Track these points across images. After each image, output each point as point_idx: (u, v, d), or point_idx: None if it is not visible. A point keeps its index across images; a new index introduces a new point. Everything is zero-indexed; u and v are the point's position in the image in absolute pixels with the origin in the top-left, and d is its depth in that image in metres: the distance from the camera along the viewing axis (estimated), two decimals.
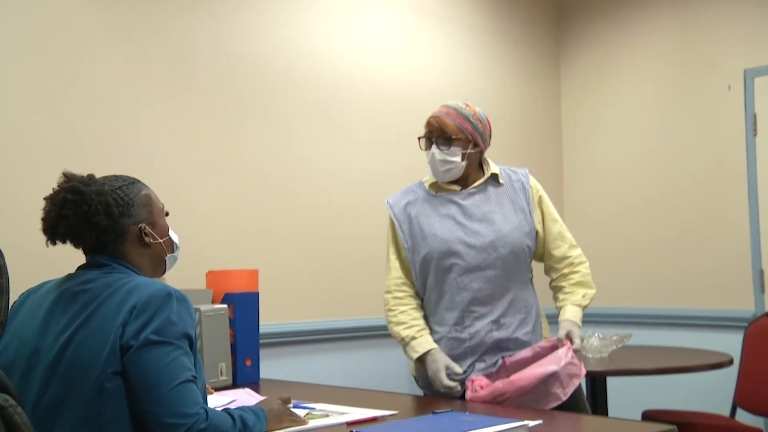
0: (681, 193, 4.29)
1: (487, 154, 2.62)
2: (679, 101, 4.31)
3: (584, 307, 2.54)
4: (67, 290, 1.73)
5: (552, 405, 2.25)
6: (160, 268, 1.90)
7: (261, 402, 1.96)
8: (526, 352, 2.43)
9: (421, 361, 2.47)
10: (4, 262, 1.51)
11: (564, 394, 2.24)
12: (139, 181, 1.88)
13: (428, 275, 2.53)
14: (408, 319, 2.53)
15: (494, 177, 2.57)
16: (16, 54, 2.75)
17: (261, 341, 2.86)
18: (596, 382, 3.39)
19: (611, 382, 3.49)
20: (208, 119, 3.24)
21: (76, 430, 1.61)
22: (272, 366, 3.14)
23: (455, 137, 2.48)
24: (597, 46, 4.68)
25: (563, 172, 4.79)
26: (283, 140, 3.47)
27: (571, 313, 2.49)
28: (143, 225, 1.82)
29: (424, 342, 2.48)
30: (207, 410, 1.65)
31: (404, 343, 2.52)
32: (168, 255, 1.90)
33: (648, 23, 4.46)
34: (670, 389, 4.06)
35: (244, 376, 2.72)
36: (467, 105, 2.55)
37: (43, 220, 1.75)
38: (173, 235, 1.93)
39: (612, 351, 3.36)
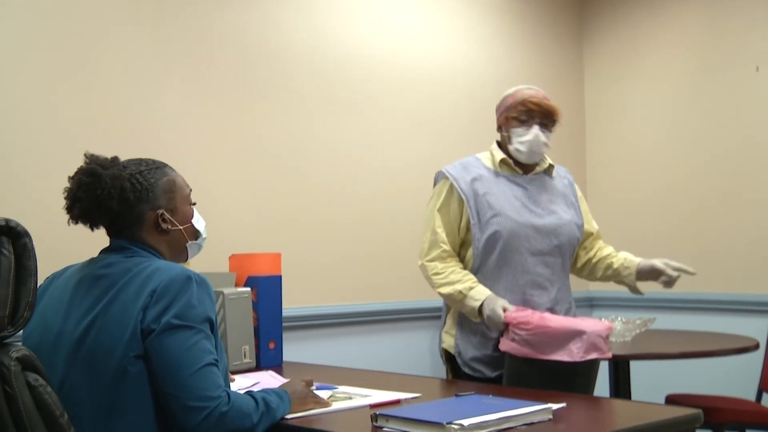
0: (706, 176, 4.24)
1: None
2: (706, 84, 4.25)
3: None
4: (88, 274, 1.75)
5: (562, 358, 2.25)
6: (180, 254, 1.89)
7: (284, 384, 1.97)
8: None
9: (481, 313, 2.47)
10: (32, 245, 1.52)
11: (578, 355, 2.25)
12: (166, 165, 1.87)
13: (493, 253, 2.52)
14: (460, 276, 2.53)
15: (549, 168, 2.66)
16: (39, 39, 2.76)
17: (284, 324, 2.88)
18: (619, 366, 3.38)
19: (634, 366, 3.47)
20: (231, 104, 3.25)
21: (99, 414, 1.62)
22: (295, 349, 3.16)
23: (557, 123, 2.57)
24: (621, 27, 4.63)
25: (586, 156, 4.75)
26: (304, 124, 3.47)
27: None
28: (162, 211, 1.80)
29: (482, 289, 2.48)
30: (229, 393, 1.66)
31: (462, 296, 2.50)
32: (189, 242, 1.88)
33: (673, 4, 4.40)
34: (694, 374, 4.04)
35: (267, 358, 2.73)
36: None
37: (65, 198, 1.76)
38: (197, 223, 1.90)
39: (635, 335, 3.34)
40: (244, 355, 2.64)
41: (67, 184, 1.77)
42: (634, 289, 2.69)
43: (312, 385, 2.01)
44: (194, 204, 1.93)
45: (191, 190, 1.93)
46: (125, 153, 1.91)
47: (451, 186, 2.59)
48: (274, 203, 3.36)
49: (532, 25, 4.49)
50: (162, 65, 3.06)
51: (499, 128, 2.67)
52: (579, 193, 2.74)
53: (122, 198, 1.74)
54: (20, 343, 1.57)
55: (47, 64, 2.77)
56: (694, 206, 4.28)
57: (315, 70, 3.51)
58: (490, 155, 2.64)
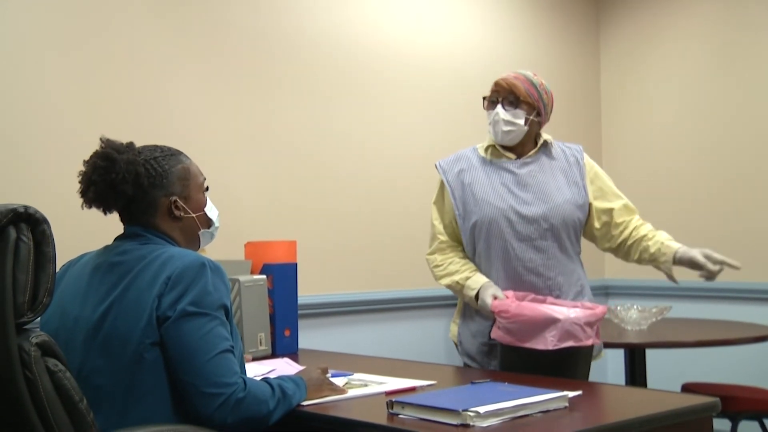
0: (723, 162, 4.20)
1: None
2: (723, 70, 4.21)
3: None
4: (104, 262, 1.75)
5: (537, 346, 2.25)
6: (193, 242, 1.88)
7: (300, 371, 1.97)
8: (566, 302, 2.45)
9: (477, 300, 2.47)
10: (51, 232, 1.53)
11: (552, 343, 2.24)
12: (180, 153, 1.87)
13: (479, 242, 2.53)
14: (458, 267, 2.54)
15: (546, 147, 2.59)
16: (56, 26, 2.77)
17: (299, 312, 2.88)
18: (635, 354, 3.37)
19: (650, 354, 3.46)
20: (246, 92, 3.25)
21: (117, 399, 1.63)
22: (310, 336, 3.17)
23: (523, 99, 2.50)
24: (637, 14, 4.58)
25: (602, 141, 4.72)
26: (320, 112, 3.47)
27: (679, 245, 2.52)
28: (175, 198, 1.80)
29: (479, 278, 2.49)
30: (245, 379, 1.66)
31: (460, 287, 2.52)
32: (202, 230, 1.88)
33: None
34: (710, 362, 4.02)
35: (283, 346, 2.74)
36: (535, 74, 2.58)
37: (79, 182, 1.77)
38: (210, 211, 1.90)
39: (651, 323, 3.33)
40: (260, 342, 2.65)
41: (83, 169, 1.77)
42: (670, 278, 2.54)
43: (327, 372, 2.02)
44: (207, 190, 1.92)
45: (205, 178, 1.92)
46: (141, 141, 1.92)
47: (442, 180, 2.62)
48: (289, 191, 3.36)
49: (548, 11, 4.46)
50: (177, 53, 3.06)
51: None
52: (593, 170, 2.63)
53: (137, 183, 1.75)
54: (39, 329, 1.59)
55: (62, 51, 2.78)
56: (711, 192, 4.25)
57: (330, 58, 3.51)
58: (486, 144, 2.63)
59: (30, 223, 1.49)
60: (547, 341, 2.25)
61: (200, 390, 1.61)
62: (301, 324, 2.96)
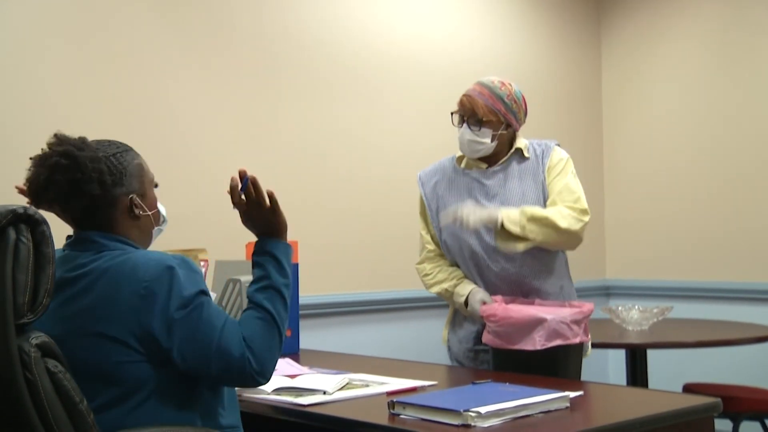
0: (724, 162, 4.20)
1: (525, 125, 2.58)
2: (730, 65, 4.19)
3: (526, 221, 2.32)
4: (61, 279, 1.63)
5: (526, 347, 2.25)
6: (147, 241, 1.80)
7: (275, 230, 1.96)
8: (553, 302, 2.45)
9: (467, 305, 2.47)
10: (50, 232, 1.52)
11: (540, 343, 2.25)
12: (131, 148, 1.78)
13: (453, 253, 2.54)
14: (446, 275, 2.55)
15: (519, 153, 2.52)
16: (57, 26, 2.77)
17: (300, 312, 2.88)
18: (636, 354, 3.37)
19: (651, 354, 3.46)
20: (249, 91, 3.25)
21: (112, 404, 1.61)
22: (312, 337, 3.16)
23: (486, 119, 2.43)
24: (639, 13, 4.58)
25: (603, 142, 4.72)
26: (322, 111, 3.46)
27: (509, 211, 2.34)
28: (134, 196, 1.72)
29: (467, 284, 2.50)
30: (246, 340, 1.63)
31: (449, 294, 2.53)
32: (155, 227, 1.80)
33: None
34: (711, 363, 4.02)
35: (284, 346, 2.72)
36: (503, 83, 2.48)
37: (30, 182, 1.65)
38: (161, 208, 1.85)
39: (652, 324, 3.33)
40: None
41: (31, 168, 1.67)
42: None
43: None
44: (157, 186, 1.83)
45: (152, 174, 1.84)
46: (144, 140, 1.92)
47: (419, 194, 2.64)
48: (291, 191, 3.35)
49: (550, 12, 4.46)
50: (179, 53, 3.06)
51: None
52: (558, 167, 2.49)
53: (101, 181, 1.65)
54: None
55: (64, 50, 2.78)
56: (711, 192, 4.24)
57: (333, 57, 3.51)
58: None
59: (29, 224, 1.48)
60: (536, 341, 2.26)
61: (221, 380, 1.63)
62: (302, 324, 2.96)
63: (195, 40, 3.10)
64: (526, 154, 2.51)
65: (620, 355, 3.56)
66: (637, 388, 3.04)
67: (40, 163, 1.65)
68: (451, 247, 2.53)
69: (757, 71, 4.09)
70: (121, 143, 1.76)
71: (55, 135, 1.68)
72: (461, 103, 2.49)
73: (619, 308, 3.38)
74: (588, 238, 2.72)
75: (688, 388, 3.60)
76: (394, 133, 3.70)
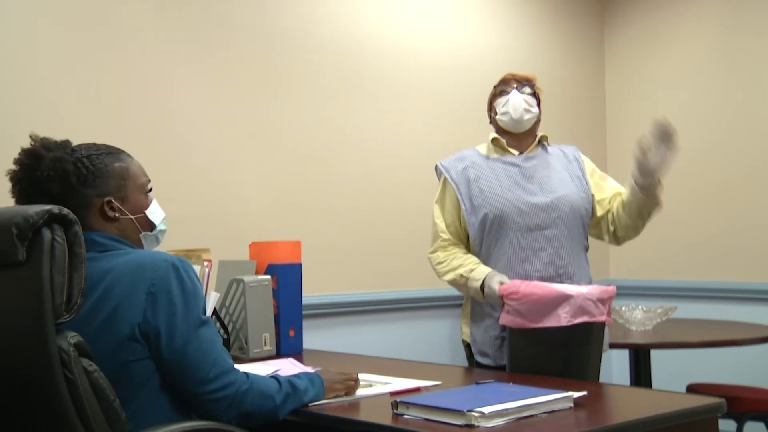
0: (727, 160, 4.19)
1: None
2: (734, 66, 4.18)
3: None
4: None
5: (550, 324, 2.24)
6: (135, 244, 1.81)
7: (319, 370, 1.95)
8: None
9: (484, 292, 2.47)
10: (82, 232, 1.53)
11: (566, 320, 2.23)
12: (122, 152, 1.80)
13: (489, 235, 2.54)
14: (461, 261, 2.56)
15: (543, 144, 2.67)
16: (58, 25, 2.77)
17: (304, 312, 2.88)
18: (640, 354, 3.36)
19: (655, 355, 3.45)
20: (250, 90, 3.25)
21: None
22: (315, 337, 3.16)
23: (537, 88, 2.62)
24: (642, 11, 4.57)
25: (607, 143, 4.71)
26: (325, 111, 3.47)
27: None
28: (109, 198, 1.74)
29: (483, 269, 2.50)
30: (247, 374, 1.68)
31: (464, 279, 2.53)
32: (143, 233, 1.81)
33: None
34: (715, 363, 4.01)
35: (287, 346, 2.74)
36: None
37: (9, 180, 1.73)
38: (153, 214, 1.83)
39: (656, 324, 3.33)
40: (265, 342, 2.65)
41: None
42: (649, 195, 2.62)
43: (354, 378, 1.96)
44: (150, 192, 1.85)
45: (149, 179, 1.85)
46: (144, 140, 1.93)
47: (445, 178, 2.65)
48: (294, 191, 3.36)
49: (553, 13, 4.46)
50: (181, 53, 3.06)
51: (489, 116, 2.71)
52: (591, 168, 2.73)
53: (64, 181, 1.69)
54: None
55: (64, 50, 2.79)
56: (715, 192, 4.24)
57: (335, 56, 3.51)
58: (486, 144, 2.67)
59: (63, 224, 1.50)
60: (560, 318, 2.22)
61: (204, 395, 1.63)
62: (306, 324, 2.95)
63: (197, 40, 3.10)
64: (549, 149, 2.68)
65: (624, 355, 3.56)
66: (640, 389, 3.04)
67: (14, 161, 1.72)
68: (492, 225, 2.52)
69: (761, 72, 4.08)
70: (108, 147, 1.79)
71: (30, 136, 1.73)
72: (512, 75, 2.65)
73: (623, 308, 3.38)
74: (592, 238, 2.73)
75: (692, 389, 3.60)
76: (397, 134, 3.70)
